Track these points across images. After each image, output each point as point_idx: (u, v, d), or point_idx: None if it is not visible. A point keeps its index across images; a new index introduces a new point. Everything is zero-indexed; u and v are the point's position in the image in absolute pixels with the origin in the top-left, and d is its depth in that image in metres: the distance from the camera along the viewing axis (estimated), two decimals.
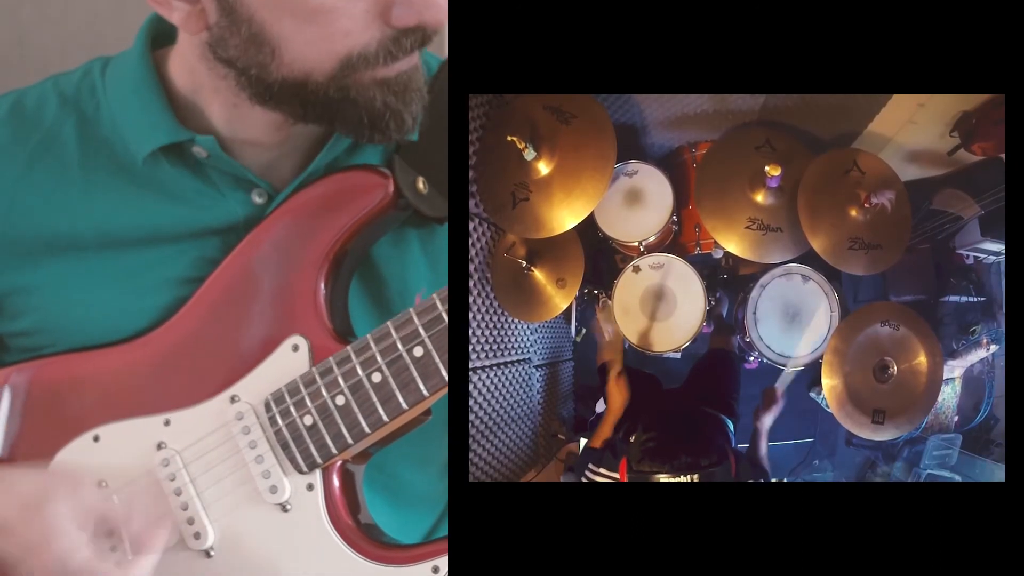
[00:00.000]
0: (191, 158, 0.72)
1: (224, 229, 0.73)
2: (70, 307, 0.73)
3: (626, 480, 1.21)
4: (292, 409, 0.70)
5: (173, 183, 0.73)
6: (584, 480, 1.30)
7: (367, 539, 0.70)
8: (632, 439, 1.27)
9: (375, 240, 0.74)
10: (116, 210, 0.73)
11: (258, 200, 0.74)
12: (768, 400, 1.50)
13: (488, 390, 1.53)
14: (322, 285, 0.71)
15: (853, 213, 1.36)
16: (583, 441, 1.79)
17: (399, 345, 0.68)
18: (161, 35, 0.75)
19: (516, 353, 1.67)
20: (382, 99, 0.67)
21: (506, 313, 1.56)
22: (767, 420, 1.49)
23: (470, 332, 1.45)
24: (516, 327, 1.67)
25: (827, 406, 1.48)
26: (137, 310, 0.73)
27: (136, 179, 0.73)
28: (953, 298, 1.66)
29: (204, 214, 0.73)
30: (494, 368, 1.55)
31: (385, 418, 0.68)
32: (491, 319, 1.55)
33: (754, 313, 1.55)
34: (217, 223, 0.73)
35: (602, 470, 1.27)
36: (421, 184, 0.72)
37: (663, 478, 1.14)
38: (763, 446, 1.47)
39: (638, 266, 1.55)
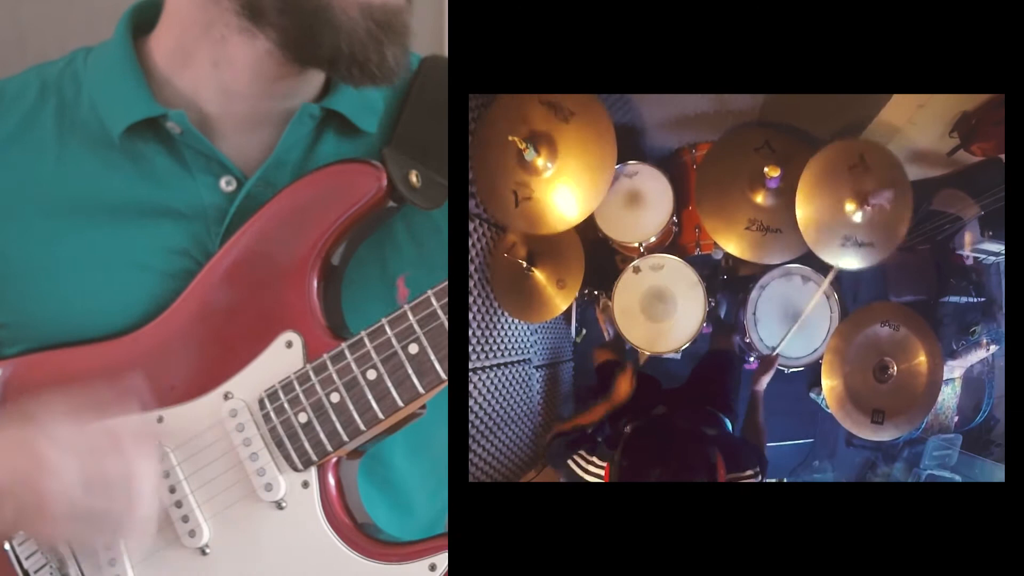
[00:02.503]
0: (166, 135, 0.72)
1: (191, 215, 0.73)
2: (44, 298, 0.73)
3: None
4: (287, 406, 0.69)
5: (146, 161, 0.73)
6: (570, 463, 1.29)
7: (363, 536, 0.70)
8: (616, 454, 1.27)
9: (369, 234, 0.74)
10: (88, 186, 0.73)
11: (226, 188, 0.73)
12: (765, 364, 1.52)
13: (488, 390, 1.53)
14: (315, 281, 0.70)
15: (850, 208, 1.35)
16: None
17: (394, 342, 0.67)
18: (143, 23, 0.76)
19: (516, 354, 1.67)
20: (364, 26, 0.67)
21: (506, 313, 1.56)
22: (763, 382, 1.51)
23: (470, 332, 1.45)
24: (516, 328, 1.67)
25: (827, 407, 1.48)
26: (111, 305, 0.73)
27: (111, 158, 0.73)
28: (953, 298, 1.66)
29: (173, 196, 0.73)
30: (494, 368, 1.55)
31: (381, 415, 0.68)
32: (491, 319, 1.55)
33: (754, 314, 1.55)
34: (185, 207, 0.73)
35: (594, 459, 1.27)
36: (414, 177, 0.72)
37: None
38: (762, 411, 1.48)
39: (638, 267, 1.55)
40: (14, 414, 0.69)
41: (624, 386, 1.44)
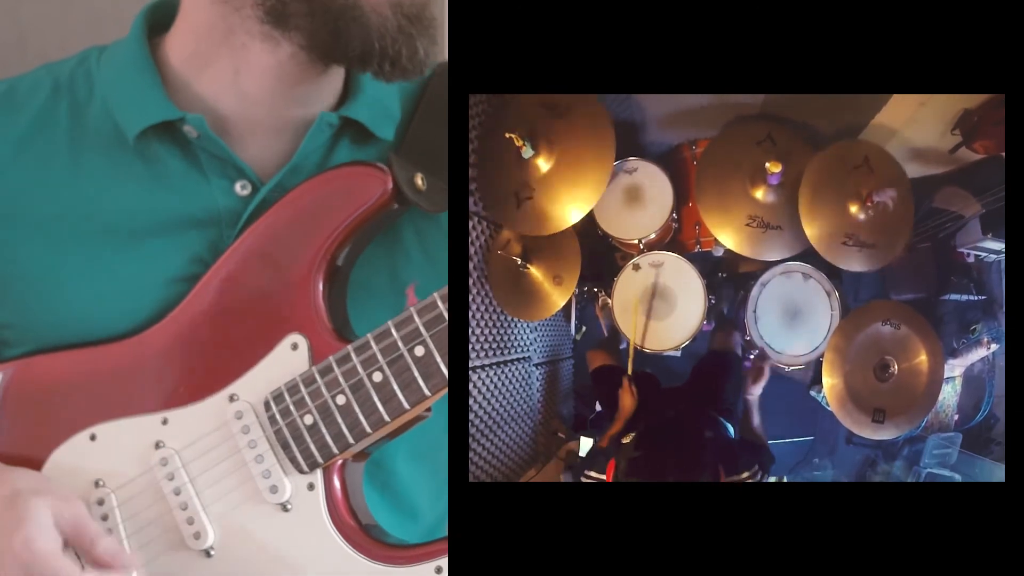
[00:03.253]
0: (181, 138, 0.72)
1: (205, 220, 0.73)
2: (53, 301, 0.73)
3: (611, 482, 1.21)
4: (292, 408, 0.69)
5: (161, 165, 0.72)
6: (583, 480, 1.31)
7: (369, 539, 0.70)
8: (624, 442, 1.27)
9: (374, 236, 0.74)
10: (102, 194, 0.72)
11: (241, 192, 0.73)
12: (755, 373, 1.52)
13: (488, 389, 1.53)
14: (320, 283, 0.70)
15: (854, 209, 1.36)
16: (583, 440, 1.80)
17: (400, 344, 0.67)
18: (157, 23, 0.75)
19: (516, 351, 1.67)
20: (395, 22, 0.67)
21: (505, 311, 1.56)
22: (755, 391, 1.51)
23: (470, 331, 1.45)
24: (516, 325, 1.67)
25: (827, 405, 1.49)
26: (119, 310, 0.73)
27: (124, 162, 0.72)
28: (954, 297, 1.66)
29: (187, 201, 0.72)
30: (494, 367, 1.55)
31: (387, 418, 0.68)
32: (491, 318, 1.55)
33: (754, 311, 1.55)
34: (199, 212, 0.72)
35: (592, 473, 1.28)
36: (420, 180, 0.72)
37: None
38: (755, 417, 1.49)
39: (638, 264, 1.55)
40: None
41: (627, 400, 1.45)
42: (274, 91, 0.72)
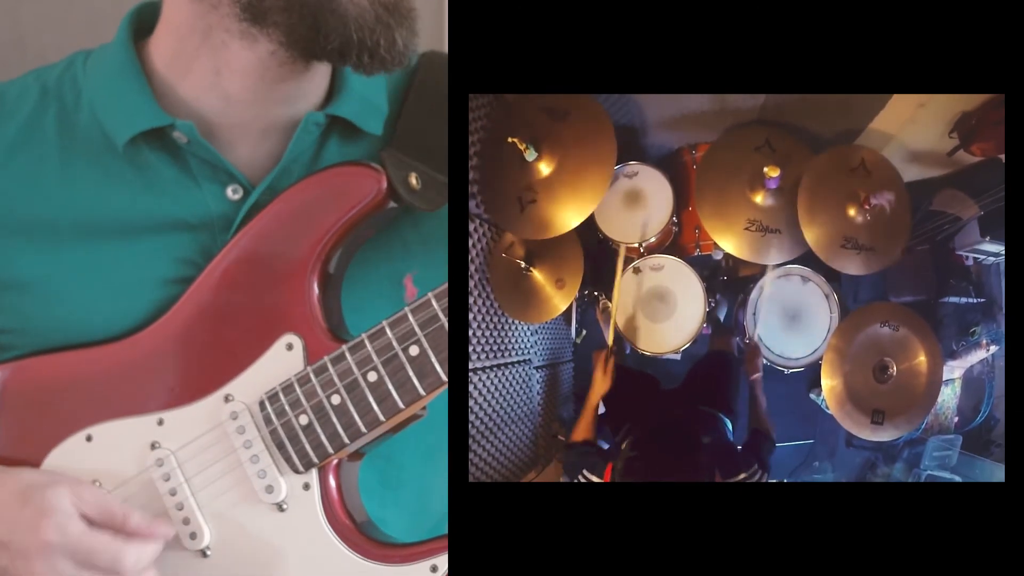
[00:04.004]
0: (171, 144, 0.72)
1: (197, 224, 0.73)
2: (48, 306, 0.73)
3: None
4: (287, 408, 0.69)
5: (151, 171, 0.72)
6: (579, 478, 1.31)
7: (365, 538, 0.70)
8: (623, 446, 1.27)
9: (369, 236, 0.74)
10: (93, 200, 0.72)
11: (233, 196, 0.73)
12: (750, 357, 1.50)
13: (488, 391, 1.53)
14: (315, 283, 0.70)
15: (852, 212, 1.36)
16: None
17: (394, 344, 0.67)
18: (143, 27, 0.75)
19: (516, 354, 1.67)
20: (372, 12, 0.67)
21: (506, 314, 1.56)
22: (758, 369, 1.49)
23: (470, 333, 1.45)
24: (516, 328, 1.67)
25: (827, 407, 1.49)
26: (114, 313, 0.72)
27: (114, 168, 0.72)
28: (953, 299, 1.66)
29: (179, 206, 0.72)
30: (494, 369, 1.55)
31: (381, 417, 0.68)
32: (491, 320, 1.55)
33: (754, 314, 1.55)
34: (191, 217, 0.72)
35: (592, 477, 1.28)
36: (414, 179, 0.72)
37: None
38: (763, 401, 1.47)
39: (638, 267, 1.55)
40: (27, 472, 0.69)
41: (598, 381, 1.43)
42: (257, 90, 0.72)
